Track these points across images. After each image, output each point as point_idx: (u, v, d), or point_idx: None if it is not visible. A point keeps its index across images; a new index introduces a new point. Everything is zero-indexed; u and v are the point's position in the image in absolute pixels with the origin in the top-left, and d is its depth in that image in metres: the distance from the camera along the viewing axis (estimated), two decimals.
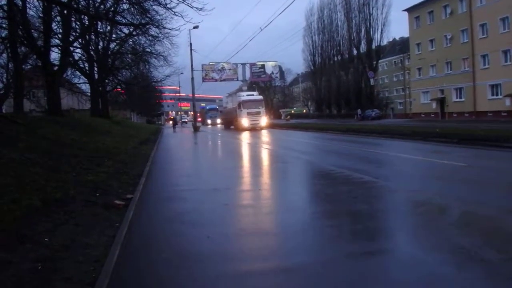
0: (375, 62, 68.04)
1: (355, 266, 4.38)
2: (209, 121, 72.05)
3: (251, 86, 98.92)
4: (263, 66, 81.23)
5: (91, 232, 5.86)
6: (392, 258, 4.65)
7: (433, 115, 53.19)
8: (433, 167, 11.76)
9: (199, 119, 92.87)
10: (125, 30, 29.55)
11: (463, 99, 48.86)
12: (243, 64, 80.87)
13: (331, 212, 6.94)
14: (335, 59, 76.50)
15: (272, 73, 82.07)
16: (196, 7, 17.03)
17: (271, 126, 44.95)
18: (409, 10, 57.63)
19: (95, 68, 34.92)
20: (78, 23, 27.10)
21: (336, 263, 4.48)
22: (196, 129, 45.97)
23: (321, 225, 6.14)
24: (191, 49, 48.48)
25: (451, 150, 15.28)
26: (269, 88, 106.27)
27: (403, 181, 9.50)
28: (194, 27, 42.79)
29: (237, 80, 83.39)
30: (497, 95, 43.82)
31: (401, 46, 79.07)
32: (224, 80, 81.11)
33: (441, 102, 52.03)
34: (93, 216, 6.66)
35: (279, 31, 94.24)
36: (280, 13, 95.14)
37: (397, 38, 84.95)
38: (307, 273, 4.21)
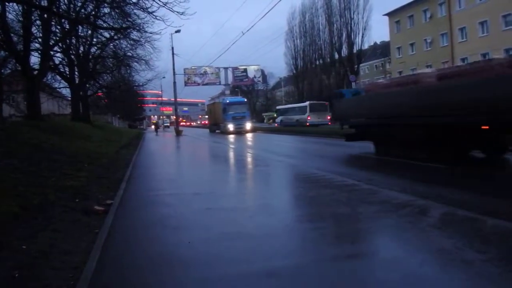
0: (356, 66, 68.44)
1: (339, 269, 4.39)
2: (231, 126, 41.41)
3: (234, 90, 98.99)
4: (245, 70, 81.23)
5: (70, 238, 5.79)
6: (373, 260, 4.68)
7: None
8: (413, 167, 11.90)
9: (206, 122, 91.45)
10: (106, 34, 29.34)
11: None
12: (226, 68, 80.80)
13: (314, 215, 6.96)
14: (317, 63, 76.81)
15: (255, 77, 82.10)
16: (177, 12, 16.98)
17: (254, 130, 44.53)
18: (390, 14, 58.32)
19: (76, 72, 34.52)
20: (59, 27, 26.78)
21: (319, 266, 4.47)
22: (178, 133, 45.76)
23: (304, 228, 6.15)
24: (173, 53, 48.32)
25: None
26: (251, 92, 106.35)
27: (386, 183, 9.56)
28: (176, 31, 42.69)
29: (220, 84, 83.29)
30: None
31: (382, 50, 79.86)
32: (207, 84, 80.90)
33: None
34: (73, 222, 6.57)
35: (262, 34, 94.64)
36: (262, 17, 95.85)
37: (378, 42, 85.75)
38: (290, 277, 4.20)
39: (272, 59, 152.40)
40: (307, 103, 49.36)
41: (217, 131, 47.93)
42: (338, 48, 69.50)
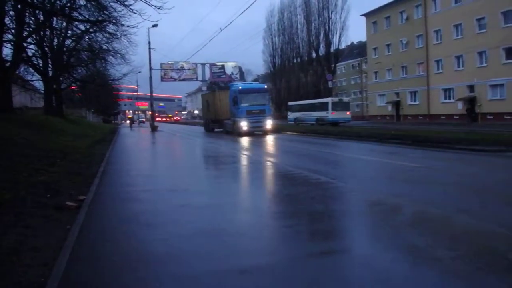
0: (333, 65, 69.05)
1: (314, 266, 4.42)
2: (244, 124, 29.64)
3: (211, 86, 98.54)
4: (223, 67, 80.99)
5: (41, 234, 5.69)
6: (348, 257, 4.75)
7: (388, 118, 54.45)
8: (388, 167, 12.04)
9: (178, 118, 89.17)
10: (82, 27, 28.82)
11: (417, 102, 50.26)
12: (203, 64, 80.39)
13: (290, 213, 7.00)
14: (295, 61, 77.20)
15: (232, 73, 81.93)
16: (154, 5, 16.87)
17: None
18: (367, 15, 58.83)
19: (50, 65, 33.88)
20: (33, 18, 26.21)
21: (296, 263, 4.50)
22: (154, 128, 45.31)
23: (280, 225, 6.20)
24: (149, 48, 47.75)
25: (405, 151, 15.68)
26: (229, 89, 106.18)
27: (359, 181, 9.66)
28: (153, 26, 42.28)
29: (197, 80, 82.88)
30: (449, 99, 45.29)
31: (358, 50, 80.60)
32: (183, 79, 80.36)
33: (397, 105, 53.37)
34: (44, 218, 6.45)
35: (240, 31, 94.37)
36: (241, 14, 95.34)
37: (355, 42, 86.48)
38: (266, 274, 4.22)
39: (250, 56, 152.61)
40: (329, 99, 46.80)
41: (217, 129, 37.71)
42: (315, 47, 70.00)
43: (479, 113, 41.02)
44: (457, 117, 43.22)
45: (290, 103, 57.87)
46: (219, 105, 36.00)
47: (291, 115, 54.35)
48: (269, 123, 29.86)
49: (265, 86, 33.35)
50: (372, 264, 4.39)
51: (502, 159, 13.32)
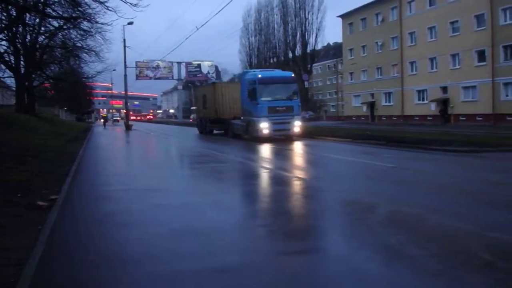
0: (309, 66, 69.35)
1: (288, 264, 4.41)
2: (264, 126, 22.07)
3: (187, 85, 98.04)
4: (199, 66, 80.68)
5: (12, 234, 5.53)
6: (323, 256, 4.75)
7: (363, 118, 55.04)
8: (363, 167, 12.14)
9: (151, 117, 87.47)
10: (55, 23, 28.25)
11: (392, 103, 50.93)
12: (179, 63, 79.92)
13: (263, 211, 6.99)
14: (271, 61, 77.18)
15: (208, 72, 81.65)
16: (130, 3, 16.57)
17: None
18: (343, 16, 59.35)
19: (22, 62, 33.13)
20: (5, 14, 25.58)
21: (269, 262, 4.48)
22: (128, 127, 44.71)
23: (254, 224, 6.18)
24: (124, 45, 47.06)
25: (380, 151, 15.83)
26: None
27: (334, 181, 9.70)
28: (129, 23, 41.58)
29: (172, 78, 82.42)
30: (423, 100, 46.01)
31: (335, 51, 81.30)
32: (159, 78, 79.80)
33: (372, 105, 53.99)
34: (15, 218, 6.28)
35: (217, 30, 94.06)
36: (217, 13, 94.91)
37: (331, 43, 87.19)
38: (240, 273, 4.18)
39: (226, 56, 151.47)
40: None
41: (216, 131, 30.86)
42: (292, 47, 70.15)
43: (452, 114, 41.77)
44: (431, 118, 43.93)
45: None
46: (221, 101, 29.18)
47: None
48: (298, 125, 22.38)
49: (293, 75, 24.58)
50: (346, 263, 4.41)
51: (475, 159, 13.56)
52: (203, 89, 36.78)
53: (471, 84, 39.87)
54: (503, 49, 37.08)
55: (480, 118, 38.27)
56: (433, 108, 43.93)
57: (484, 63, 38.59)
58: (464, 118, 40.38)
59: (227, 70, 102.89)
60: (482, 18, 38.69)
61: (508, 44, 36.50)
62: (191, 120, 67.38)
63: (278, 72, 26.02)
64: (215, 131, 30.85)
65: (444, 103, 42.87)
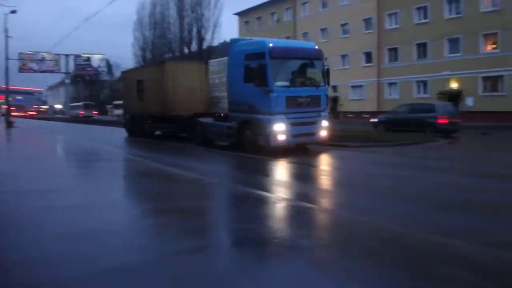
0: (206, 62, 69.44)
1: (185, 262, 4.29)
2: (280, 129, 13.60)
3: (75, 79, 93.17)
4: (89, 59, 77.09)
5: None
6: (217, 252, 4.71)
7: None
8: (254, 162, 12.23)
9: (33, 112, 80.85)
10: None
11: None
12: (67, 55, 75.68)
13: (160, 210, 6.75)
14: (167, 56, 76.16)
15: (99, 66, 78.41)
16: None
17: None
18: (240, 14, 60.15)
19: None
20: None
21: (166, 260, 4.32)
22: (9, 124, 41.07)
23: (150, 223, 6.00)
24: (6, 35, 43.35)
25: None
26: (95, 82, 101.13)
27: (228, 177, 9.79)
28: (12, 12, 38.52)
29: (59, 72, 77.84)
30: None
31: None
32: (45, 71, 75.03)
33: None
34: None
35: (109, 22, 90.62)
36: (109, 3, 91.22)
37: (228, 40, 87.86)
38: (137, 273, 3.97)
39: (119, 49, 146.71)
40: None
41: (154, 133, 22.56)
42: (188, 42, 69.60)
43: (341, 112, 44.09)
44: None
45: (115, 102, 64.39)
46: (174, 90, 20.45)
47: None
48: (325, 127, 14.94)
49: (317, 47, 15.74)
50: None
51: (361, 153, 14.64)
52: (137, 73, 26.28)
53: (358, 83, 42.45)
54: (388, 51, 40.00)
55: (366, 116, 40.83)
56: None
57: (371, 64, 41.28)
58: (352, 115, 42.83)
59: (120, 64, 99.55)
60: (370, 22, 41.38)
61: (392, 47, 39.45)
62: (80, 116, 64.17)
63: (296, 42, 17.52)
64: (156, 132, 22.50)
65: (333, 101, 45.11)
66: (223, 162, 13.83)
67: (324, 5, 46.34)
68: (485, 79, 33.17)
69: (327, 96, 15.08)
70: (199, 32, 68.32)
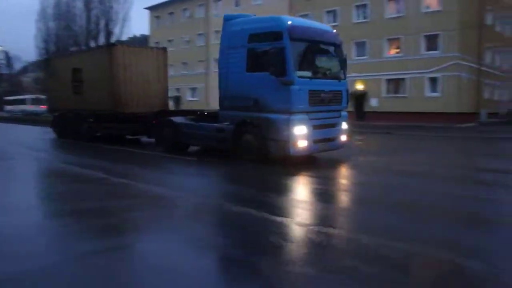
0: None
1: (92, 264, 4.15)
2: (302, 134, 10.69)
3: None
4: None
5: None
6: (128, 252, 4.62)
7: None
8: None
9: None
10: None
11: (197, 98, 52.17)
12: None
13: (64, 211, 6.42)
14: (72, 49, 72.86)
15: None
16: None
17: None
18: (151, 8, 58.79)
19: None
20: None
21: (71, 263, 4.17)
22: None
23: (53, 225, 5.71)
24: None
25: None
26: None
27: (139, 176, 9.55)
28: None
29: None
30: None
31: (141, 43, 80.00)
32: None
33: (177, 100, 54.38)
34: None
35: (9, 11, 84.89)
36: None
37: (138, 35, 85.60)
38: (40, 278, 3.78)
39: (19, 41, 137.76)
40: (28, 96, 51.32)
41: (95, 135, 18.32)
42: (95, 35, 66.95)
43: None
44: None
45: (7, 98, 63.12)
46: (126, 81, 16.78)
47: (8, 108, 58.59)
48: (345, 130, 12.61)
49: (334, 30, 12.86)
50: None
51: None
52: (72, 59, 20.80)
53: None
54: None
55: None
56: None
57: None
58: None
59: (20, 57, 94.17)
60: None
61: None
62: None
63: (314, 23, 13.27)
64: (97, 134, 18.27)
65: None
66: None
67: (237, 3, 46.45)
68: (389, 81, 34.87)
69: (348, 91, 12.49)
70: (107, 25, 65.76)
